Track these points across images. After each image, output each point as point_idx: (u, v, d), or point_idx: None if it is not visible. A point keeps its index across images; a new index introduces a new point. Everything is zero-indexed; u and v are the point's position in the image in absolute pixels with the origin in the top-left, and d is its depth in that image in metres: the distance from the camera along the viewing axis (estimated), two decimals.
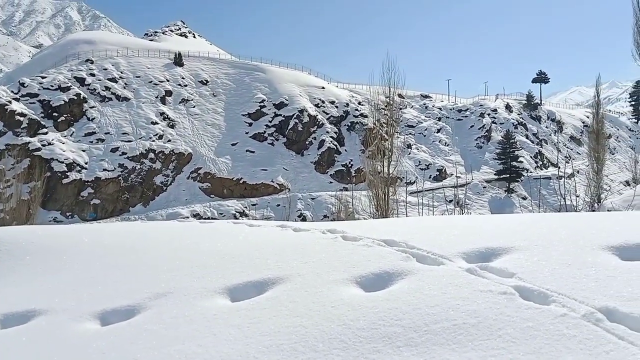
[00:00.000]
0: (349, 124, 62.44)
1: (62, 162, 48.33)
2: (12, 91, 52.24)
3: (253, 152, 56.32)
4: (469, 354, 2.58)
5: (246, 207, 49.89)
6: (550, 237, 4.09)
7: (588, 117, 69.80)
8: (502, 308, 2.91)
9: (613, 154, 70.28)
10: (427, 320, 2.92)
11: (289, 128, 58.81)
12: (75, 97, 53.66)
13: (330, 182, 55.54)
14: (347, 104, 64.30)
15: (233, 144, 56.71)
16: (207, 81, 63.75)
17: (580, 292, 2.96)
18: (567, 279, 3.18)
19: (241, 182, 53.45)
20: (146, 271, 4.76)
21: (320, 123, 60.48)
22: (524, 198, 56.96)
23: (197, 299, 3.86)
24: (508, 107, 75.55)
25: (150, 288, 4.24)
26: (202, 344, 3.11)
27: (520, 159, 61.88)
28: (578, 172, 43.62)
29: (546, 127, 77.46)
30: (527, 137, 70.80)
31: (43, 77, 54.95)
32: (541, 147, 71.45)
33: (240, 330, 3.20)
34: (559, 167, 58.60)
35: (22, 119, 49.37)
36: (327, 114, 62.30)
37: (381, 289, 3.52)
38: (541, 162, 67.92)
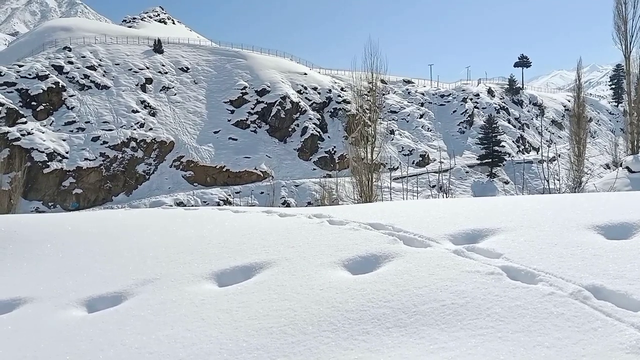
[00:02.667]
0: (332, 110, 62.27)
1: (43, 152, 47.46)
2: None
3: (236, 139, 55.94)
4: (457, 333, 2.60)
5: (230, 195, 49.66)
6: (536, 217, 4.13)
7: (569, 101, 70.51)
8: (490, 288, 2.93)
9: (594, 137, 71.35)
10: (416, 302, 2.93)
11: (271, 115, 58.45)
12: (54, 86, 52.54)
13: (314, 169, 55.48)
14: (330, 90, 64.06)
15: (215, 132, 56.23)
16: (187, 68, 62.91)
17: (567, 271, 3.00)
18: (553, 259, 3.21)
19: (224, 170, 53.13)
20: (131, 258, 4.70)
21: (303, 110, 60.22)
22: (507, 182, 57.64)
23: (184, 285, 3.83)
24: (490, 92, 76.03)
25: (136, 274, 4.19)
26: (191, 328, 3.09)
27: (503, 143, 62.48)
28: (559, 155, 44.21)
29: (528, 111, 78.20)
30: (509, 122, 71.43)
31: (20, 66, 53.65)
32: (523, 131, 72.18)
33: (229, 314, 3.18)
34: (539, 151, 59.35)
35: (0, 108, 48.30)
36: (309, 100, 62.01)
37: (369, 272, 3.53)
38: (523, 147, 68.66)
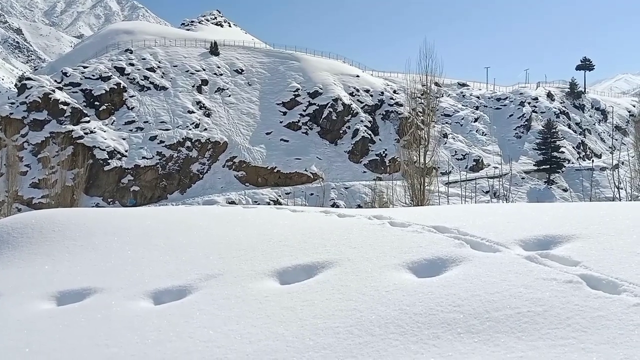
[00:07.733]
0: (384, 113, 61.83)
1: (104, 150, 49.66)
2: (55, 80, 53.88)
3: (287, 141, 56.52)
4: (536, 342, 2.48)
5: (280, 196, 50.20)
6: (614, 225, 3.90)
7: (634, 106, 67.10)
8: (569, 297, 2.78)
9: None
10: (488, 308, 2.82)
11: (323, 117, 58.69)
12: (116, 87, 54.92)
13: (364, 172, 55.26)
14: (382, 93, 63.65)
15: (267, 133, 57.04)
16: (242, 70, 64.15)
17: None
18: (636, 268, 3.02)
19: (275, 170, 53.80)
20: (194, 253, 4.79)
21: (355, 112, 60.12)
22: (565, 190, 55.34)
23: (247, 281, 3.86)
24: (550, 96, 73.28)
25: (199, 269, 4.27)
26: (257, 324, 3.10)
27: (562, 149, 60.04)
28: (623, 163, 41.99)
29: (590, 116, 74.85)
30: (569, 127, 68.61)
31: (85, 67, 56.41)
32: (584, 137, 69.14)
33: (294, 312, 3.17)
34: (601, 158, 56.51)
35: (65, 107, 50.90)
36: (361, 102, 61.85)
37: (435, 275, 3.44)
38: (584, 153, 65.75)
